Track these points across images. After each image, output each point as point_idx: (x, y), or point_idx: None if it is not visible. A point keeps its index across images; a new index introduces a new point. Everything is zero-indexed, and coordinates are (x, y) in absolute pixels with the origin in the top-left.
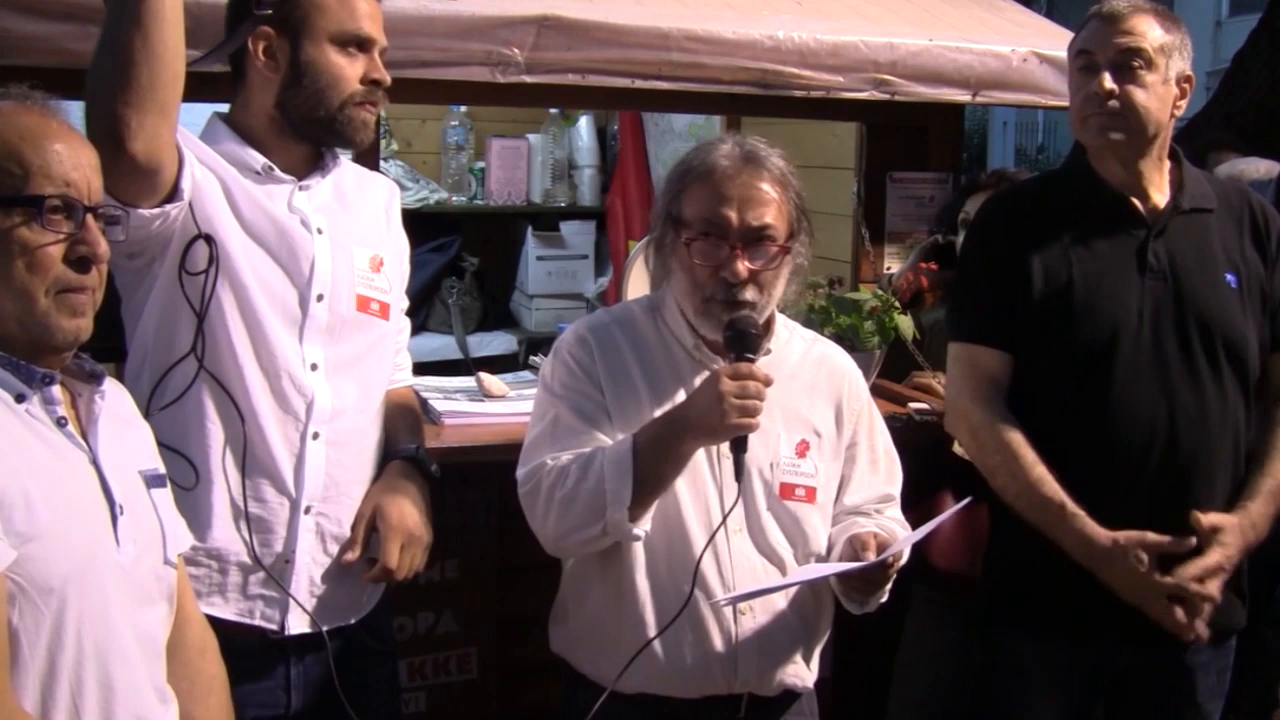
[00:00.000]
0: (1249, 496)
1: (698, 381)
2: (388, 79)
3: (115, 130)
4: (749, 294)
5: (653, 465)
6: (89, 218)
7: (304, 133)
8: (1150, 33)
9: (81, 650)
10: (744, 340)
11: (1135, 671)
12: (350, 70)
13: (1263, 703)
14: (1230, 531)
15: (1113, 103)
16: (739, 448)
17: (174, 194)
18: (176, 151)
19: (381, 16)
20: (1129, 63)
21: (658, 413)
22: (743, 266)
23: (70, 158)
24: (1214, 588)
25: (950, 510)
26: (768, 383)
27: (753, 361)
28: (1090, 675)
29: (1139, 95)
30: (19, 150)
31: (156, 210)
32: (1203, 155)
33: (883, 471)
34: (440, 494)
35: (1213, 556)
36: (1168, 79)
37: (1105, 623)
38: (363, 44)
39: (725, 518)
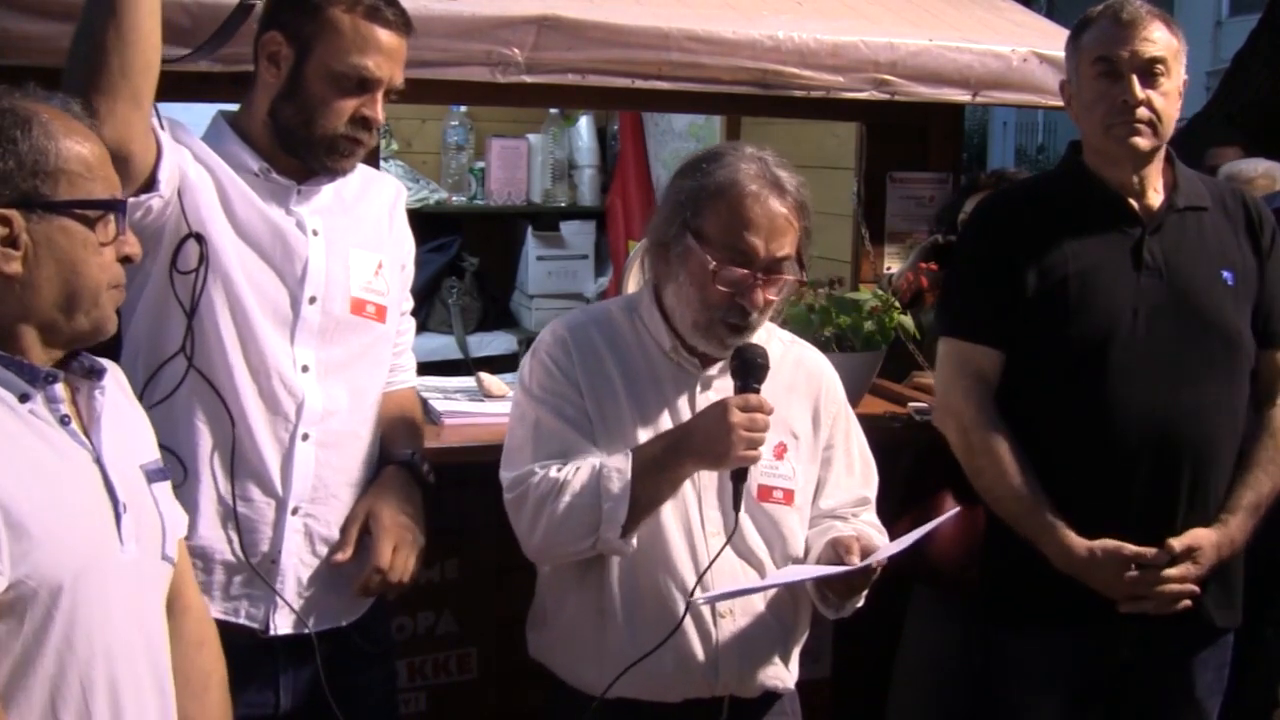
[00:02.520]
0: (1229, 510)
1: (676, 382)
2: (380, 119)
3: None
4: (757, 319)
5: (650, 488)
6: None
7: (286, 146)
8: (1165, 39)
9: (92, 650)
10: (752, 370)
11: (1134, 667)
12: (342, 104)
13: (1263, 702)
14: (1206, 551)
15: (1142, 110)
16: (740, 478)
17: (150, 184)
18: (153, 142)
19: (404, 52)
20: (1152, 70)
21: (636, 414)
22: (762, 297)
23: (106, 158)
24: (1184, 593)
25: (940, 518)
26: (770, 412)
27: (758, 391)
28: (1089, 671)
29: (1162, 102)
30: (81, 154)
31: (133, 200)
32: (1201, 154)
33: (859, 475)
34: (440, 494)
35: (1183, 570)
36: (1178, 84)
37: (1104, 618)
38: (366, 83)
39: (717, 555)
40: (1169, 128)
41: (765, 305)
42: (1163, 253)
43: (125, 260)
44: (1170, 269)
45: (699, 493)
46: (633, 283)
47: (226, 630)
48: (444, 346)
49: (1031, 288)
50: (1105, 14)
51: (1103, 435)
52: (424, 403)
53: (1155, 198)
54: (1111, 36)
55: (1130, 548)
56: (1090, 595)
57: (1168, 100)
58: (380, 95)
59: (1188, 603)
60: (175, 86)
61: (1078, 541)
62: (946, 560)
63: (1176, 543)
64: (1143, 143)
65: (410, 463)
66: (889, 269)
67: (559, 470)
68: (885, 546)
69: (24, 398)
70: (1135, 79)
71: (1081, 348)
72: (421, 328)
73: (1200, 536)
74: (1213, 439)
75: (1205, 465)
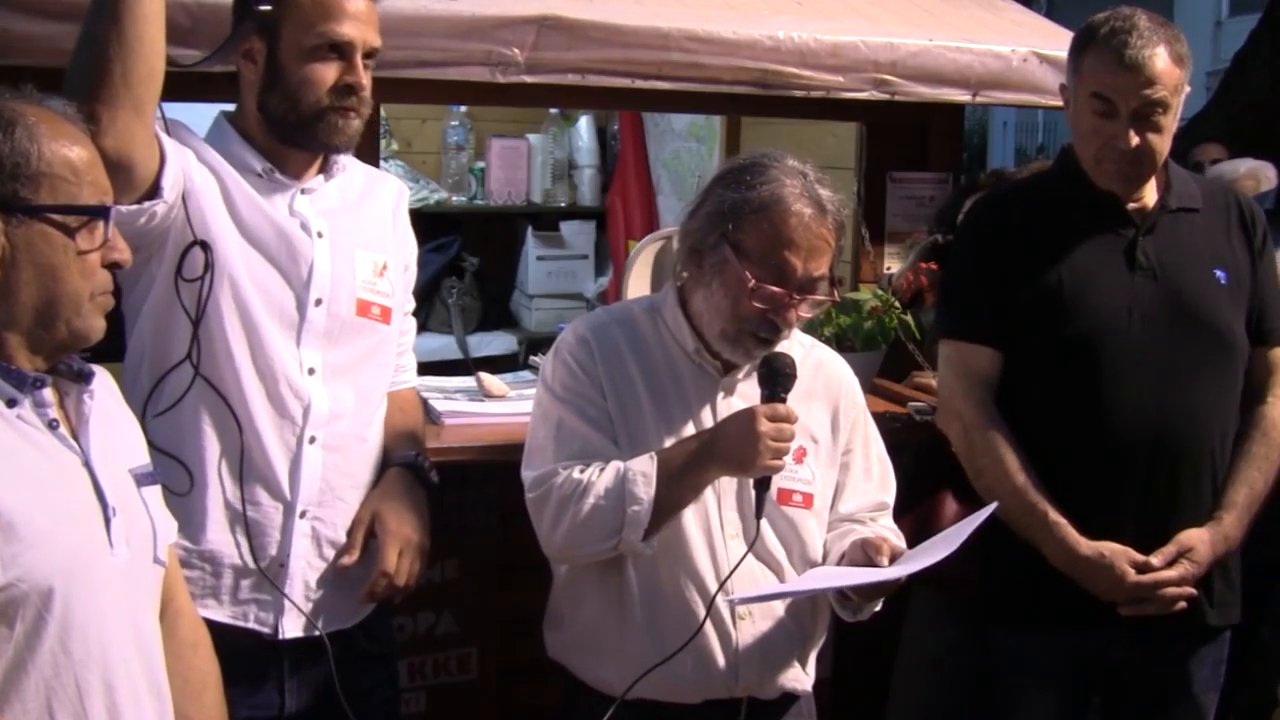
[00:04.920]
0: (1224, 508)
1: (697, 385)
2: (364, 84)
3: (87, 125)
4: (787, 334)
5: (674, 492)
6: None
7: (283, 136)
8: (1169, 77)
9: (87, 653)
10: (780, 379)
11: (1131, 664)
12: (321, 75)
13: (1262, 702)
14: (1201, 548)
15: (1134, 153)
16: (763, 486)
17: (154, 191)
18: (156, 149)
19: (374, 15)
20: (1151, 114)
21: (658, 415)
22: (795, 316)
23: (97, 162)
24: (1184, 595)
25: (977, 522)
26: (796, 422)
27: (785, 401)
28: (1087, 668)
29: (1158, 142)
30: (68, 158)
31: (136, 207)
32: (1187, 153)
33: (876, 479)
34: (440, 494)
35: (1179, 570)
36: (1178, 111)
37: (1101, 615)
38: (339, 48)
39: (739, 563)
40: (1162, 159)
41: (797, 323)
42: (1156, 253)
43: (114, 266)
44: (1163, 269)
45: (718, 496)
46: (633, 282)
47: (233, 634)
48: (444, 346)
49: (1025, 288)
50: (1108, 44)
51: (1097, 435)
52: (424, 403)
53: (1149, 198)
54: (1112, 79)
55: (1134, 554)
56: (1088, 594)
57: (1163, 137)
58: (359, 60)
59: (1184, 604)
60: (175, 86)
61: (1082, 542)
62: (946, 560)
63: (1165, 552)
64: (1130, 184)
65: (414, 464)
66: (889, 269)
67: (582, 471)
68: (913, 554)
69: (11, 402)
70: (1131, 128)
71: (1075, 348)
72: (421, 328)
73: (1191, 537)
74: (1207, 438)
75: (1199, 464)
